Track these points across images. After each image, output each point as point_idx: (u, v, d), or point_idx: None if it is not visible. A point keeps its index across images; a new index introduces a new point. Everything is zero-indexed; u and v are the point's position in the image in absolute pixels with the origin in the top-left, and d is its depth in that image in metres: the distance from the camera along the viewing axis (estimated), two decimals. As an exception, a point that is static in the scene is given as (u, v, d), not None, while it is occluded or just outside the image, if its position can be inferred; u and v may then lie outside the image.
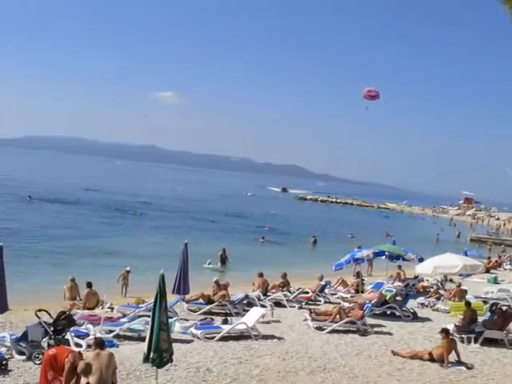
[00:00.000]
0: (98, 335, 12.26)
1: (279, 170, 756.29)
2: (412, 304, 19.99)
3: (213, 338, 14.09)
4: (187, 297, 17.39)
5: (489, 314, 16.91)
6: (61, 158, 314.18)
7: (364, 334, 15.65)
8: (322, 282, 21.48)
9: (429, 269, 22.34)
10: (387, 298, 18.94)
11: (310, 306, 18.98)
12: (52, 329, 12.23)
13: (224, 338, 14.11)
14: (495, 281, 28.35)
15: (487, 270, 31.25)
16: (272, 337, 14.67)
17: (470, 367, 13.01)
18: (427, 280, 25.52)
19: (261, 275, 20.93)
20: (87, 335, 13.18)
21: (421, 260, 23.14)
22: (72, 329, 12.84)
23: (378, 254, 22.33)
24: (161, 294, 9.20)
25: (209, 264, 29.09)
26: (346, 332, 15.67)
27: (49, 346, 11.45)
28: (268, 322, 16.30)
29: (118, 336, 13.76)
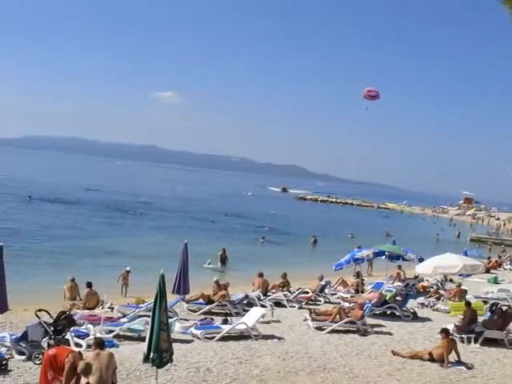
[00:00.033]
0: (98, 335, 12.27)
1: (279, 169, 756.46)
2: (412, 304, 19.99)
3: (213, 337, 14.09)
4: (187, 297, 17.39)
5: (489, 313, 16.91)
6: (61, 158, 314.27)
7: (364, 333, 15.65)
8: (322, 282, 21.49)
9: (429, 269, 22.34)
10: (387, 297, 18.94)
11: (310, 306, 18.98)
12: (52, 329, 12.23)
13: (224, 338, 14.11)
14: (495, 281, 28.34)
15: (487, 270, 31.25)
16: (272, 337, 14.67)
17: (470, 367, 13.01)
18: (427, 280, 25.52)
19: (261, 275, 20.93)
20: (87, 335, 13.18)
21: (421, 260, 23.14)
22: (72, 329, 12.84)
23: (377, 254, 22.33)
24: (161, 294, 9.20)
25: (209, 264, 29.09)
26: (346, 332, 15.68)
27: (49, 345, 11.46)
28: (268, 322, 16.30)
29: (117, 336, 13.76)
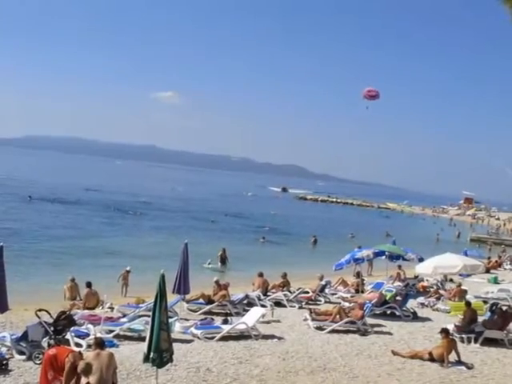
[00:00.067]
0: (98, 335, 12.28)
1: (279, 169, 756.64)
2: (412, 304, 20.00)
3: (213, 337, 14.10)
4: (187, 297, 17.39)
5: (489, 313, 16.90)
6: (61, 158, 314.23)
7: (364, 333, 15.66)
8: (322, 282, 21.50)
9: (429, 269, 22.35)
10: (387, 297, 18.95)
11: (310, 306, 18.99)
12: (52, 329, 12.24)
13: (224, 338, 14.12)
14: (495, 281, 28.34)
15: (487, 270, 31.25)
16: (272, 337, 14.67)
17: (470, 367, 13.02)
18: (427, 280, 25.52)
19: (261, 275, 20.94)
20: (87, 335, 13.19)
21: (421, 260, 23.15)
22: (72, 329, 12.85)
23: (378, 254, 22.34)
24: (161, 294, 9.21)
25: (209, 264, 29.09)
26: (346, 332, 15.68)
27: (49, 345, 11.46)
28: (268, 322, 16.31)
29: (118, 336, 13.76)
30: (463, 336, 15.28)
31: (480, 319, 16.14)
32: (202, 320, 15.84)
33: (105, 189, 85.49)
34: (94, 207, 58.28)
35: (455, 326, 15.80)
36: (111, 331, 13.90)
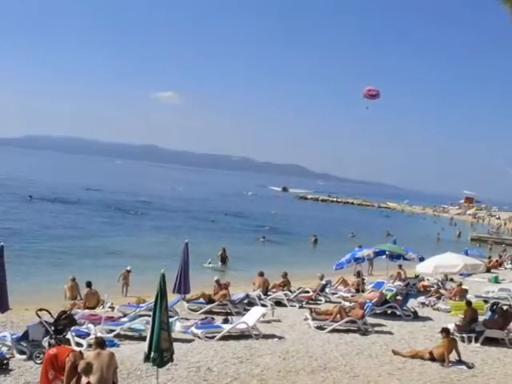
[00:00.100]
0: (99, 335, 12.29)
1: (280, 169, 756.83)
2: (413, 303, 19.99)
3: (213, 337, 14.10)
4: (188, 296, 17.39)
5: (489, 313, 16.91)
6: (61, 158, 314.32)
7: (364, 333, 15.65)
8: (323, 282, 21.50)
9: (429, 268, 22.33)
10: (388, 297, 18.95)
11: (311, 306, 18.99)
12: (53, 328, 12.24)
13: (225, 338, 14.12)
14: (496, 280, 28.33)
15: (488, 270, 31.23)
16: (272, 336, 14.68)
17: (470, 366, 13.01)
18: (428, 279, 25.53)
19: (261, 274, 20.95)
20: (88, 335, 13.20)
21: (421, 259, 23.14)
22: (73, 328, 12.85)
23: (378, 254, 22.33)
24: (161, 294, 9.21)
25: (209, 263, 29.11)
26: (347, 331, 15.68)
27: (50, 345, 11.46)
28: (269, 322, 16.31)
29: (118, 335, 13.76)
30: (464, 335, 15.28)
31: (481, 319, 16.15)
32: (202, 319, 15.85)
33: (105, 188, 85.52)
34: (95, 207, 58.30)
35: (456, 325, 15.80)
36: (112, 331, 13.90)
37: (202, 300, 17.97)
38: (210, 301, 17.86)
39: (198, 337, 14.06)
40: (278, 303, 19.45)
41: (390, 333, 16.03)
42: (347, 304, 18.56)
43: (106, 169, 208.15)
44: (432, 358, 13.14)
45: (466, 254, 33.32)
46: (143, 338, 12.12)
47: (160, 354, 9.15)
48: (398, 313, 18.31)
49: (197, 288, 17.99)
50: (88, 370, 8.32)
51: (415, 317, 18.40)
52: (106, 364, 8.65)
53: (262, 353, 13.06)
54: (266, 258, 32.09)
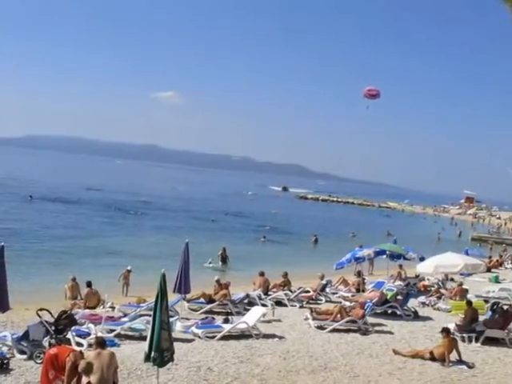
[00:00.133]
0: (99, 334, 12.30)
1: (280, 169, 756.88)
2: (413, 303, 19.99)
3: (214, 337, 14.10)
4: (188, 296, 17.39)
5: (490, 313, 16.91)
6: (61, 158, 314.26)
7: (365, 333, 15.65)
8: (323, 281, 21.50)
9: (430, 268, 22.33)
10: (388, 297, 18.95)
11: (311, 305, 19.00)
12: (53, 328, 12.25)
13: (225, 337, 14.12)
14: (496, 280, 28.33)
15: (488, 269, 31.23)
16: (273, 336, 14.68)
17: (471, 366, 13.01)
18: (428, 279, 25.53)
19: (262, 274, 20.95)
20: (88, 334, 13.20)
21: (422, 259, 23.14)
22: (73, 328, 12.85)
23: (379, 253, 22.35)
24: (162, 294, 9.21)
25: (210, 263, 29.12)
26: (347, 331, 15.67)
27: (50, 345, 11.47)
28: (269, 321, 16.30)
29: (119, 335, 13.75)
30: (464, 335, 15.27)
31: (481, 318, 16.16)
32: (202, 319, 15.84)
33: (105, 188, 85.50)
34: (95, 207, 58.30)
35: (456, 325, 15.80)
36: (112, 330, 13.90)
37: (202, 300, 17.97)
38: (210, 300, 17.86)
39: (199, 336, 14.06)
40: (279, 303, 19.45)
41: (390, 332, 16.03)
42: (348, 304, 18.56)
43: (106, 168, 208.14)
44: (432, 358, 13.14)
45: (467, 253, 33.33)
46: (144, 338, 12.12)
47: (160, 353, 9.15)
48: (398, 312, 18.31)
49: (197, 288, 18.00)
50: (88, 369, 8.32)
51: (416, 316, 18.40)
52: (106, 364, 8.65)
53: (262, 352, 13.06)
54: (267, 258, 32.09)
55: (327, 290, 21.90)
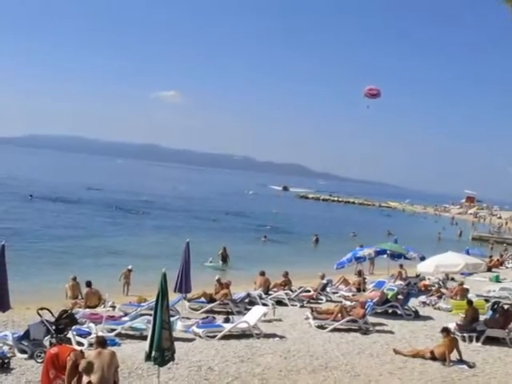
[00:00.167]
0: (100, 334, 12.30)
1: (281, 168, 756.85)
2: (414, 303, 20.00)
3: (214, 336, 14.10)
4: (189, 295, 17.39)
5: (490, 312, 16.90)
6: (62, 157, 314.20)
7: (366, 332, 15.66)
8: (324, 281, 21.50)
9: (430, 267, 22.34)
10: (389, 296, 18.95)
11: (312, 305, 19.01)
12: (54, 327, 12.26)
13: (226, 337, 14.12)
14: (497, 279, 28.32)
15: (489, 269, 31.24)
16: (274, 335, 14.68)
17: (471, 366, 13.01)
18: (429, 279, 25.52)
19: (262, 274, 20.96)
20: (89, 334, 13.20)
21: (422, 259, 23.14)
22: (74, 327, 12.86)
23: (379, 253, 22.34)
24: (162, 293, 9.20)
25: (210, 262, 29.13)
26: (348, 330, 15.68)
27: (51, 344, 11.47)
28: (270, 321, 16.31)
29: (119, 335, 13.76)
30: (465, 335, 15.28)
31: (482, 318, 16.16)
32: (203, 319, 15.84)
33: (106, 188, 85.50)
34: (96, 206, 58.29)
35: (457, 324, 15.81)
36: (113, 330, 13.91)
37: (203, 299, 17.98)
38: (211, 300, 17.87)
39: (199, 336, 14.06)
40: (279, 302, 19.46)
41: (391, 332, 16.03)
42: (348, 303, 18.56)
43: (106, 168, 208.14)
44: (433, 358, 13.14)
45: (467, 253, 33.33)
46: (144, 337, 12.13)
47: (161, 353, 9.15)
48: (399, 312, 18.31)
49: (198, 287, 18.01)
50: (89, 369, 8.32)
51: (416, 316, 18.40)
52: (107, 363, 8.65)
53: (263, 352, 13.07)
54: (267, 258, 32.09)
55: (328, 289, 21.90)
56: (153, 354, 9.12)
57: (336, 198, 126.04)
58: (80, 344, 12.22)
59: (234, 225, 54.35)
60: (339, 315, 15.91)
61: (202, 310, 17.40)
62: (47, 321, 12.41)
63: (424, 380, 11.89)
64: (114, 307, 17.05)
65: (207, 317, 16.20)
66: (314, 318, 16.14)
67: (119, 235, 39.55)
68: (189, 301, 17.62)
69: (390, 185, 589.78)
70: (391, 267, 24.45)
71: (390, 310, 18.53)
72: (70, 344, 11.59)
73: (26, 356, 11.68)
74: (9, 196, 59.52)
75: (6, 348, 11.91)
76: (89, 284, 17.88)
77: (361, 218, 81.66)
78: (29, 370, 10.90)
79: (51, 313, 13.07)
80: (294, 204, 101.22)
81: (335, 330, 15.55)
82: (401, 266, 25.33)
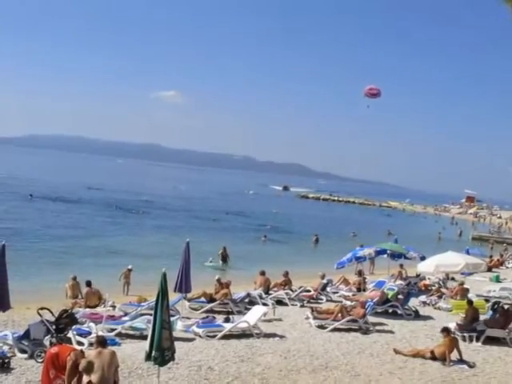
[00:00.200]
0: (100, 333, 12.29)
1: (281, 168, 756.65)
2: (414, 302, 20.00)
3: (215, 336, 14.10)
4: (189, 295, 17.39)
5: (491, 312, 16.90)
6: (62, 157, 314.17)
7: (366, 332, 15.65)
8: (324, 281, 21.49)
9: (431, 267, 22.32)
10: (389, 296, 18.94)
11: (312, 305, 19.00)
12: (54, 327, 12.26)
13: (226, 337, 14.11)
14: (497, 279, 28.32)
15: (489, 269, 31.21)
16: (274, 335, 14.68)
17: (471, 366, 13.01)
18: (429, 278, 25.52)
19: (263, 273, 20.96)
20: (89, 333, 13.20)
21: (423, 258, 23.14)
22: (74, 327, 12.86)
23: (379, 253, 22.34)
24: (163, 293, 9.20)
25: (210, 262, 29.13)
26: (348, 330, 15.68)
27: (51, 344, 11.47)
28: (270, 321, 16.31)
29: (119, 334, 13.77)
30: (465, 334, 15.27)
31: (482, 318, 16.16)
32: (203, 318, 15.84)
33: (106, 187, 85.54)
34: (96, 206, 58.30)
35: (457, 324, 15.81)
36: (113, 329, 13.91)
37: (203, 299, 17.97)
38: (211, 300, 17.87)
39: (199, 336, 14.06)
40: (279, 302, 19.45)
41: (391, 332, 16.03)
42: (348, 303, 18.56)
43: (107, 168, 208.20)
44: (433, 357, 13.13)
45: (468, 253, 33.30)
46: (144, 337, 12.14)
47: (161, 352, 9.15)
48: (399, 312, 18.31)
49: (198, 287, 18.00)
50: (89, 368, 8.32)
51: (416, 316, 18.40)
52: (107, 363, 8.65)
53: (263, 352, 13.06)
54: (268, 257, 32.09)
55: (328, 289, 21.89)
56: (153, 353, 9.12)
57: (336, 198, 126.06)
58: (80, 344, 12.22)
59: (234, 224, 54.35)
60: (339, 315, 15.91)
61: (202, 310, 17.40)
62: (47, 320, 12.41)
63: (424, 380, 11.89)
64: (114, 307, 17.05)
65: (207, 316, 16.20)
66: (315, 318, 16.14)
67: (119, 235, 39.55)
68: (189, 300, 17.62)
69: (390, 184, 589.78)
70: (391, 267, 24.45)
71: (391, 310, 18.54)
72: (71, 344, 11.59)
73: (26, 356, 11.68)
74: (9, 196, 59.53)
75: (6, 348, 11.91)
76: (89, 284, 17.88)
77: (361, 217, 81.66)
78: (29, 370, 10.90)
79: (51, 312, 13.07)
80: (295, 204, 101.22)
81: (335, 329, 15.54)
82: (401, 265, 25.34)
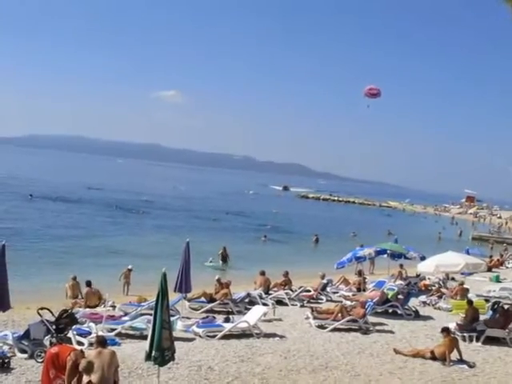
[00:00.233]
0: (100, 333, 12.29)
1: (281, 168, 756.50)
2: (414, 302, 20.00)
3: (215, 336, 14.10)
4: (189, 295, 17.39)
5: (491, 312, 16.91)
6: (62, 157, 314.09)
7: (366, 332, 15.65)
8: (324, 281, 21.49)
9: (431, 267, 22.34)
10: (389, 296, 18.94)
11: (312, 305, 19.00)
12: (54, 327, 12.26)
13: (226, 337, 14.12)
14: (497, 279, 28.31)
15: (489, 269, 31.22)
16: (274, 335, 14.68)
17: (471, 366, 13.02)
18: (429, 278, 25.52)
19: (263, 273, 20.96)
20: (89, 333, 13.21)
21: (423, 258, 23.15)
22: (74, 327, 12.86)
23: (379, 253, 22.35)
24: (163, 293, 9.20)
25: (210, 262, 29.13)
26: (348, 330, 15.68)
27: (51, 344, 11.47)
28: (270, 321, 16.31)
29: (119, 334, 13.77)
30: (465, 334, 15.28)
31: (482, 318, 16.16)
32: (203, 318, 15.84)
33: (107, 187, 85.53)
34: (96, 206, 58.30)
35: (457, 324, 15.81)
36: (113, 329, 13.91)
37: (203, 299, 17.97)
38: (211, 300, 17.87)
39: (200, 336, 14.06)
40: (279, 302, 19.45)
41: (391, 332, 16.03)
42: (348, 303, 18.56)
43: (107, 168, 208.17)
44: (433, 357, 13.14)
45: (468, 253, 33.31)
46: (144, 337, 12.14)
47: (161, 352, 9.15)
48: (399, 312, 18.31)
49: (198, 287, 18.00)
50: (89, 368, 8.32)
51: (416, 316, 18.40)
52: (107, 363, 8.66)
53: (263, 352, 13.07)
54: (268, 257, 32.09)
55: (328, 289, 21.89)
56: (153, 353, 9.12)
57: (336, 198, 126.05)
58: (80, 343, 12.22)
59: (235, 224, 54.35)
60: (339, 315, 15.91)
61: (202, 310, 17.40)
62: (47, 320, 12.41)
63: (424, 380, 11.89)
64: (114, 307, 17.05)
65: (207, 316, 16.20)
66: (315, 318, 16.14)
67: (119, 235, 39.54)
68: (189, 300, 17.62)
69: (390, 184, 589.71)
70: (391, 267, 24.46)
71: (391, 310, 18.53)
72: (71, 344, 11.58)
73: (26, 356, 11.68)
74: (9, 196, 59.53)
75: (6, 348, 11.91)
76: (89, 284, 17.89)
77: (361, 217, 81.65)
78: (29, 370, 10.90)
79: (51, 312, 13.07)
80: (295, 204, 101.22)
81: (335, 329, 15.55)
82: (401, 265, 25.33)
